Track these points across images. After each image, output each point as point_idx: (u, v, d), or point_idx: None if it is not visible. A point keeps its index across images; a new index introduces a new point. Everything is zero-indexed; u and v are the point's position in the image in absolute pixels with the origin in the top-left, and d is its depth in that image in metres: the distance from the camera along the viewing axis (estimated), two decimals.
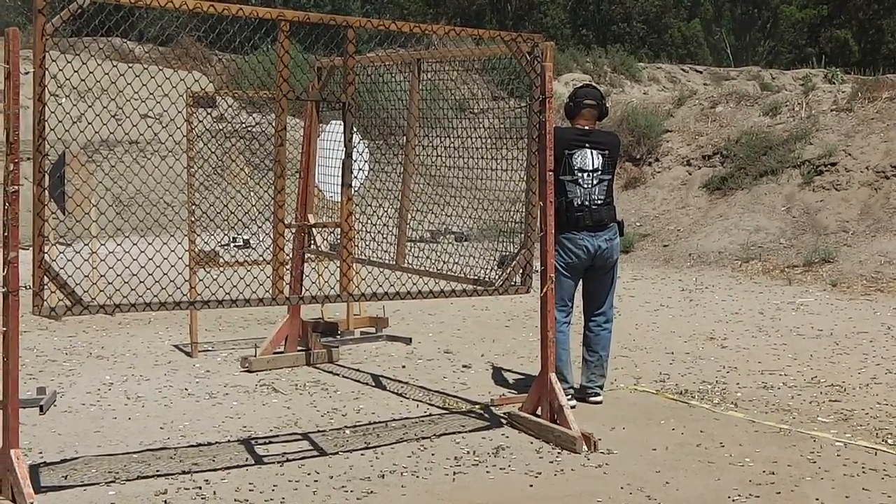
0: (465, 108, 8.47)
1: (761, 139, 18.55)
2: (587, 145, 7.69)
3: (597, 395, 7.90)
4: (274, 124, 6.19)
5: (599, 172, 7.70)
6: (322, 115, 8.94)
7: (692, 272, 15.64)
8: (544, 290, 7.04)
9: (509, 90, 7.96)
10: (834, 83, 23.97)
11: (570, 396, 7.47)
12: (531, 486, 5.91)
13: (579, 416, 6.87)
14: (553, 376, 6.97)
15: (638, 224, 18.46)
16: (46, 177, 5.54)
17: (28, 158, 5.36)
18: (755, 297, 13.26)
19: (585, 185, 7.65)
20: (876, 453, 6.47)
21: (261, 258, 8.52)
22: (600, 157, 7.71)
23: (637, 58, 40.87)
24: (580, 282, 7.95)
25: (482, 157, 7.60)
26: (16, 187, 5.27)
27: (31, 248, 5.45)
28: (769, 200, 17.28)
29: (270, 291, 6.21)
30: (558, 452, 6.55)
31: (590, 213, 7.63)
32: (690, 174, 19.22)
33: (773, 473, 6.08)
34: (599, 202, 7.68)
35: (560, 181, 7.53)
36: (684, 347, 10.02)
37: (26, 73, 5.25)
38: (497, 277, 7.06)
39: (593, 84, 9.16)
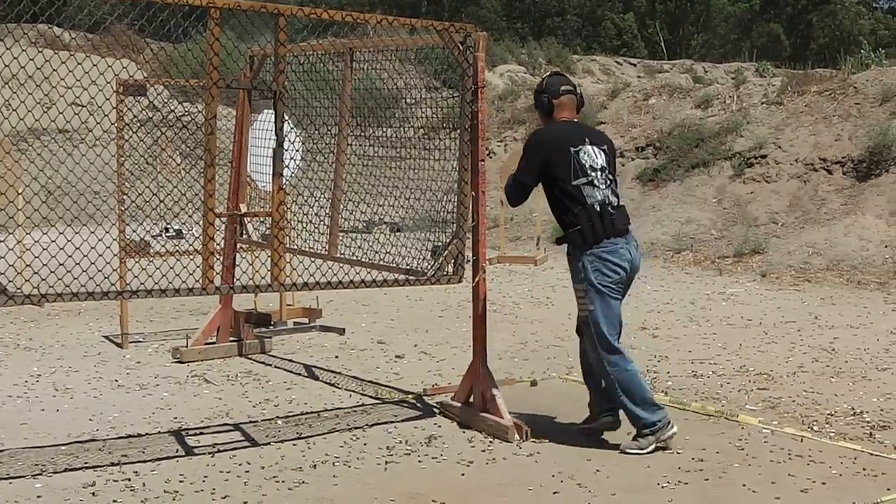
0: (399, 98, 8.44)
1: (693, 131, 18.73)
2: (586, 140, 6.45)
3: (618, 418, 6.59)
4: (198, 113, 6.12)
5: (607, 172, 6.44)
6: (254, 104, 8.88)
7: None
8: (476, 279, 7.04)
9: (443, 80, 7.87)
10: (765, 77, 24.27)
11: (671, 423, 6.37)
12: (463, 475, 5.92)
13: (510, 406, 6.87)
14: (483, 366, 6.97)
15: None
16: None
17: None
18: (686, 288, 13.39)
19: (602, 187, 6.36)
20: (802, 440, 6.55)
21: (192, 248, 8.44)
22: (602, 154, 6.45)
23: (571, 50, 41.11)
24: None
25: (415, 147, 7.59)
26: None
27: None
28: (701, 192, 17.46)
29: (201, 281, 6.15)
30: (490, 441, 6.56)
31: (620, 214, 6.37)
32: (623, 166, 19.32)
33: (702, 460, 6.14)
34: (615, 204, 6.40)
35: (573, 188, 6.33)
36: None
37: None
38: (430, 267, 7.05)
39: (559, 71, 7.25)
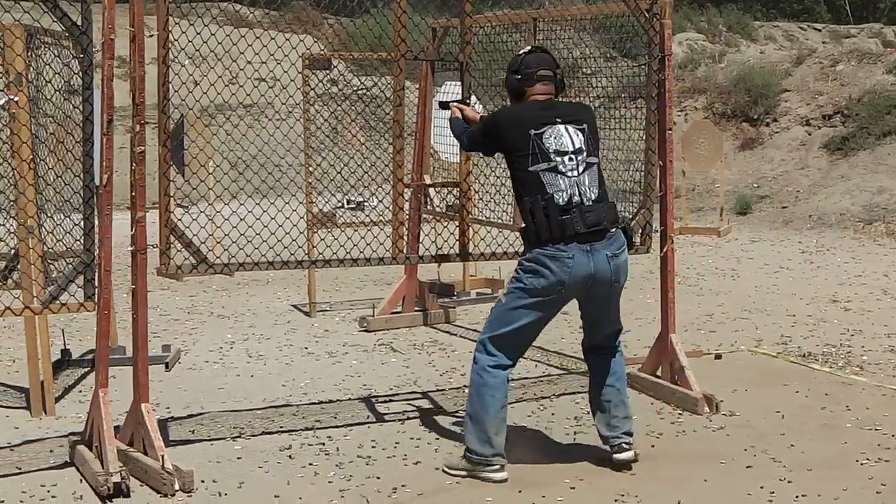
0: (577, 68, 8.36)
1: (885, 98, 18.06)
2: (558, 120, 5.44)
3: (625, 448, 5.55)
4: (385, 87, 6.19)
5: (584, 154, 5.42)
6: (435, 76, 8.94)
7: (812, 234, 15.33)
8: (664, 249, 6.95)
9: (620, 50, 7.74)
10: None
11: (498, 467, 5.37)
12: (653, 446, 5.88)
13: (699, 378, 6.76)
14: (674, 337, 6.89)
15: (755, 185, 18.16)
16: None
17: (147, 122, 5.44)
18: (879, 260, 12.93)
19: (570, 174, 5.34)
20: None
21: (380, 218, 8.57)
22: (579, 134, 5.44)
23: (752, 16, 40.05)
24: (550, 320, 5.64)
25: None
26: (142, 148, 5.36)
27: (156, 209, 5.57)
28: (893, 161, 16.83)
29: (391, 251, 6.25)
30: (679, 413, 6.49)
31: (580, 213, 5.26)
32: (810, 134, 18.80)
33: None
34: (593, 196, 5.37)
35: (530, 175, 5.35)
36: (806, 310, 9.82)
37: (150, 36, 5.32)
38: None
39: (542, 47, 6.13)
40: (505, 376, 5.46)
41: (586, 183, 5.37)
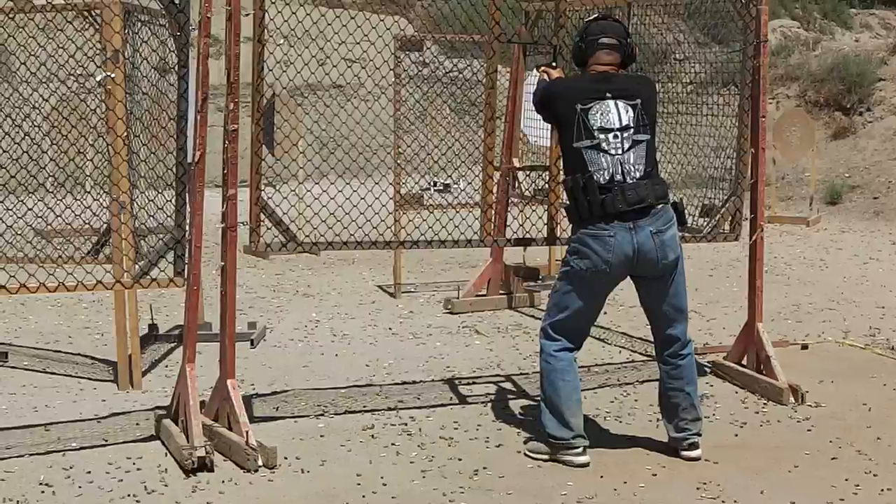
0: (668, 54, 8.28)
1: None
2: (608, 95, 5.33)
3: (695, 446, 5.48)
4: (476, 70, 6.19)
5: (632, 131, 5.30)
6: (527, 60, 8.90)
7: None
8: (753, 237, 6.88)
9: (713, 36, 7.64)
10: None
11: (581, 450, 5.38)
12: (736, 435, 5.85)
13: (784, 368, 6.68)
14: (760, 326, 6.82)
15: (847, 175, 17.84)
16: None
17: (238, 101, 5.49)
18: None
19: (614, 152, 5.26)
20: None
21: (469, 200, 8.58)
22: (629, 110, 5.32)
23: (848, 3, 39.30)
24: (604, 300, 5.60)
25: (683, 103, 7.47)
26: (235, 126, 5.42)
27: (247, 187, 5.62)
28: None
29: (479, 233, 6.26)
30: (764, 403, 6.43)
31: (622, 191, 5.18)
32: None
33: None
34: (638, 174, 5.27)
35: (574, 151, 5.32)
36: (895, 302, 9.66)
37: (246, 15, 5.38)
38: (704, 225, 6.95)
39: (612, 16, 5.99)
40: (572, 358, 5.49)
41: (631, 161, 5.27)
